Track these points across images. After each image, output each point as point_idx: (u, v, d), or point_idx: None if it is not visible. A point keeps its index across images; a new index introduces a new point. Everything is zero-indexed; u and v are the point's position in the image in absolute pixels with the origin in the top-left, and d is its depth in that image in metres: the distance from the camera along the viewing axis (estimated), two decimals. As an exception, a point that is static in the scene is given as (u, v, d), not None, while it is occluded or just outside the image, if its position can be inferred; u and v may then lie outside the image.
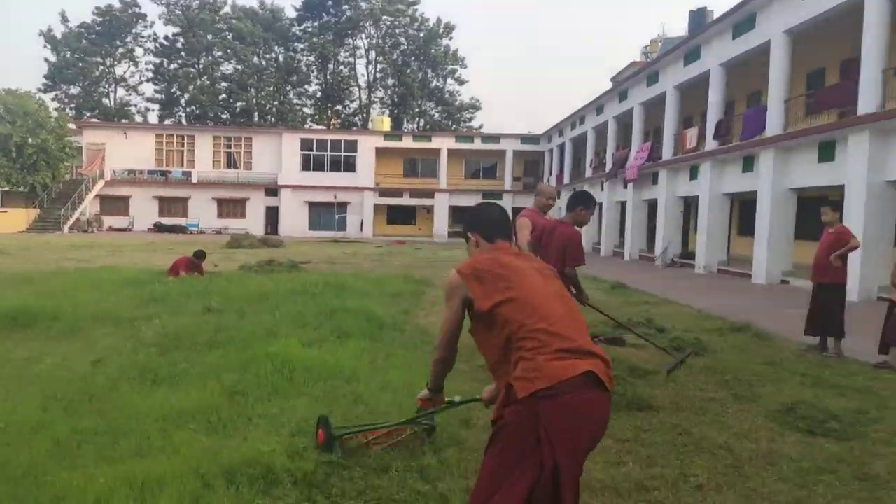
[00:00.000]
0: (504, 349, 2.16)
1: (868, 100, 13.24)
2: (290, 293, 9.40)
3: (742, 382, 5.58)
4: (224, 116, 58.53)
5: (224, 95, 58.70)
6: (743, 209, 23.13)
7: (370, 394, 4.66)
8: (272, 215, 43.43)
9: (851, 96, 14.16)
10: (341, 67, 60.87)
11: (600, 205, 31.50)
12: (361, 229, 43.35)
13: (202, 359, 5.54)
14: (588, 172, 33.78)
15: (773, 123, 17.06)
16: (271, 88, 59.55)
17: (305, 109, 62.34)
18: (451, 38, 59.96)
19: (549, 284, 2.32)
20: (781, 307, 11.43)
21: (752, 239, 21.93)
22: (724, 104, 20.92)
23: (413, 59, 59.61)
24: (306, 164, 43.91)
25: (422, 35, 58.96)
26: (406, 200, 44.65)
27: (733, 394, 5.22)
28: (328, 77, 60.24)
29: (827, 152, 15.19)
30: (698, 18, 30.47)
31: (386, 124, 48.33)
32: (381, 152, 44.75)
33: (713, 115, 20.55)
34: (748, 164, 18.88)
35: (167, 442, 3.75)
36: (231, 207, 43.61)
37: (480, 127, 60.48)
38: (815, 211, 8.62)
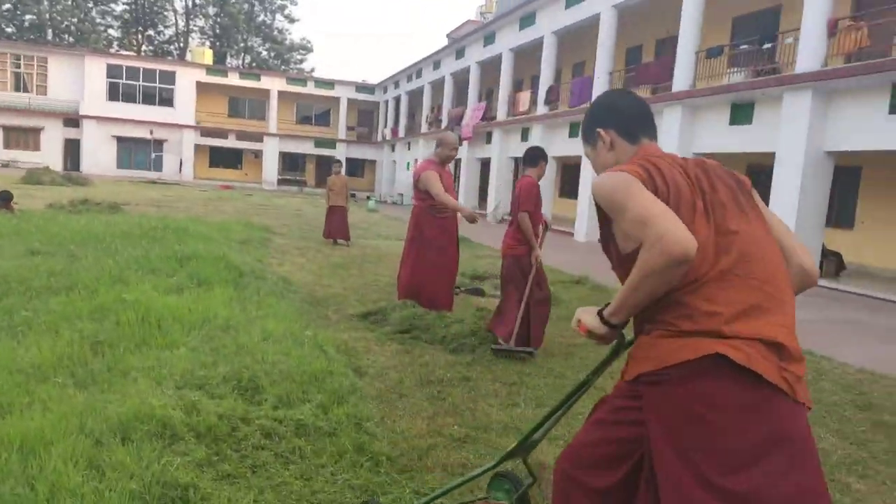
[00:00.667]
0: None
1: (682, 78, 14.80)
2: (124, 236, 8.54)
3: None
4: (9, 30, 50.26)
5: (8, 5, 50.25)
6: (565, 172, 24.90)
7: (254, 344, 4.45)
8: (73, 149, 38.53)
9: (668, 74, 15.73)
10: (155, -12, 54.84)
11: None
12: (180, 171, 40.10)
13: (44, 306, 4.90)
14: (424, 127, 34.13)
15: (599, 92, 18.43)
16: (69, 2, 52.07)
17: (111, 31, 55.58)
18: (281, -29, 56.49)
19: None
20: (606, 263, 12.60)
21: (572, 201, 23.86)
22: (554, 71, 22.17)
23: (238, -12, 55.39)
24: (114, 94, 39.32)
25: (249, -36, 54.88)
26: (231, 143, 41.98)
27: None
28: (139, -3, 54.03)
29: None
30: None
31: (207, 56, 44.57)
32: (203, 88, 41.42)
33: (545, 80, 21.70)
34: (574, 129, 20.29)
35: (32, 398, 3.33)
36: (21, 137, 37.94)
37: (312, 71, 58.26)
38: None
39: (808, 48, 11.33)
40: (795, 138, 11.46)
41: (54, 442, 2.78)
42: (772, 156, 12.18)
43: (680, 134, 14.72)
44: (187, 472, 2.73)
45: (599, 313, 1.69)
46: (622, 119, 1.82)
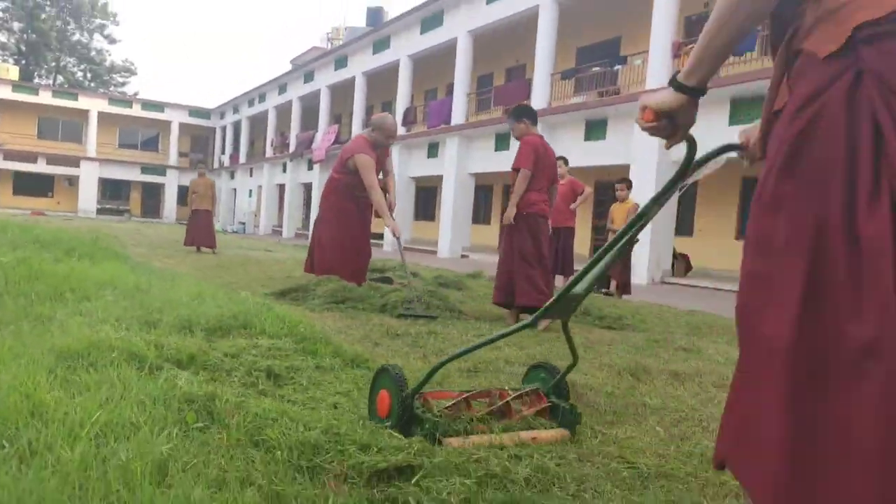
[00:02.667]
0: None
1: (539, 97, 15.70)
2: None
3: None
4: None
5: None
6: (423, 195, 25.19)
7: (186, 300, 3.83)
8: None
9: (524, 94, 16.63)
10: (-56, -5, 47.99)
11: (282, 186, 31.03)
12: (-24, 198, 34.86)
13: None
14: (269, 152, 32.91)
15: (458, 113, 19.02)
16: None
17: None
18: (100, -12, 52.16)
19: None
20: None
21: (427, 223, 24.21)
22: (410, 94, 22.54)
23: (49, 3, 50.15)
24: None
25: (62, -24, 50.04)
26: (41, 167, 37.40)
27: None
28: (-77, 4, 46.97)
29: (502, 142, 17.56)
30: (376, 15, 32.35)
31: (13, 74, 39.66)
32: (7, 106, 36.70)
33: (402, 102, 21.97)
34: (433, 150, 20.67)
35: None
36: None
37: (136, 94, 54.02)
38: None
39: (656, 67, 12.55)
40: (649, 152, 12.56)
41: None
42: (626, 168, 13.22)
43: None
44: (200, 386, 2.18)
45: (671, 82, 1.26)
46: None
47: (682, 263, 13.38)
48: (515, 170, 5.07)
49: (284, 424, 1.92)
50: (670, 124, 1.27)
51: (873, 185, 0.94)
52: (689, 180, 1.55)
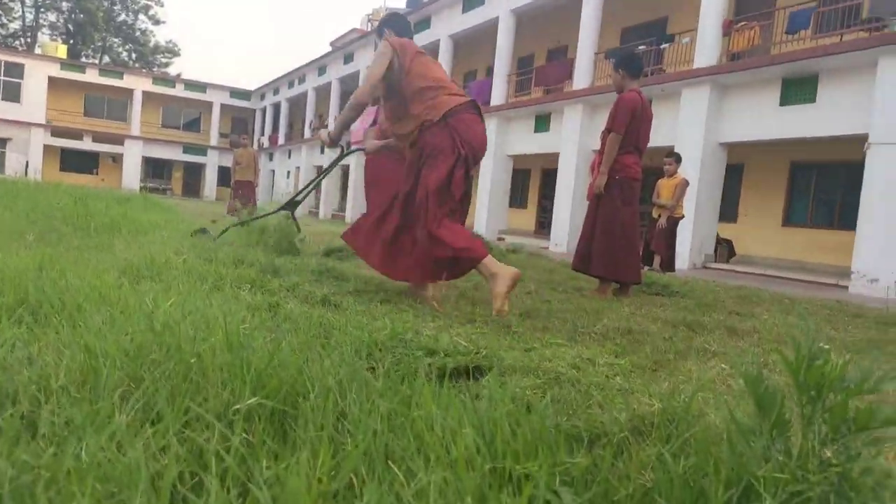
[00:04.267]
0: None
1: (582, 77, 15.47)
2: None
3: (556, 274, 6.09)
4: None
5: None
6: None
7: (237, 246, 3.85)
8: None
9: (566, 74, 16.40)
10: (-3, -25, 49.36)
11: (320, 167, 31.27)
12: (26, 172, 35.85)
13: None
14: (307, 133, 33.15)
15: (498, 94, 18.86)
16: None
17: (-59, 20, 49.17)
18: (146, -30, 53.10)
19: None
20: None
21: (516, 210, 24.33)
22: (450, 75, 22.41)
23: (97, -17, 51.25)
24: (-53, 85, 34.66)
25: (110, -42, 51.05)
26: (87, 144, 38.28)
27: (550, 279, 5.62)
28: (-23, -16, 48.37)
29: (542, 123, 17.37)
30: (416, -1, 32.24)
31: (61, 52, 40.59)
32: (56, 84, 37.59)
33: (441, 83, 21.85)
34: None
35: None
36: None
37: (178, 75, 54.97)
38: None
39: (705, 46, 12.23)
40: (695, 131, 12.27)
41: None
42: (670, 148, 12.95)
43: (581, 129, 15.34)
44: (263, 298, 2.19)
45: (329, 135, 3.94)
46: None
47: (725, 249, 13.09)
48: (607, 130, 4.68)
49: (349, 331, 1.91)
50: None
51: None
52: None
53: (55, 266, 2.18)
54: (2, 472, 0.71)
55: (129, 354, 1.19)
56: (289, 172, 35.62)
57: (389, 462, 0.82)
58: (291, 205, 3.90)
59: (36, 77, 36.49)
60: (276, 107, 38.35)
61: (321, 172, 4.10)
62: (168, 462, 0.78)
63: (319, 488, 0.71)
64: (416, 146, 3.37)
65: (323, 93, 32.27)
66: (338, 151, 4.00)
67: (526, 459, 0.86)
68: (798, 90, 11.12)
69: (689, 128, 12.35)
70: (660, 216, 8.18)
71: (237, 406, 1.01)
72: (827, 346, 0.83)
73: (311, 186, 4.15)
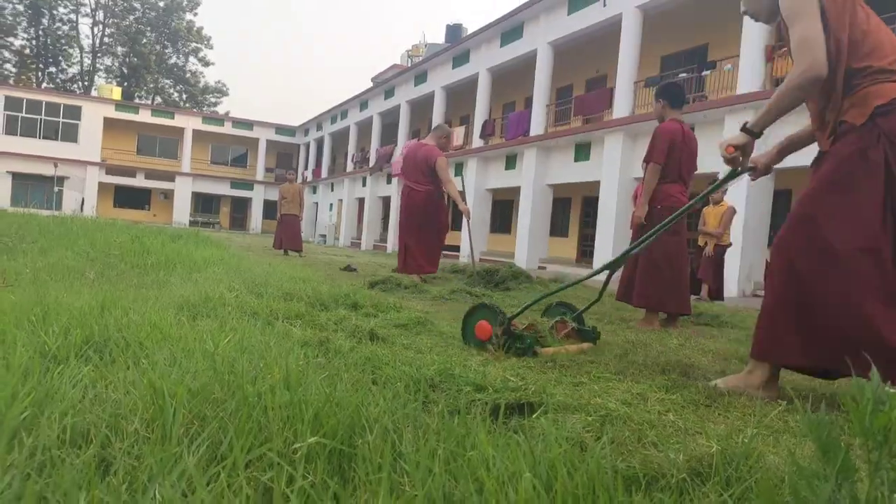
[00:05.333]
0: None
1: (622, 106, 15.44)
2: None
3: (600, 304, 6.03)
4: None
5: None
6: (498, 207, 25.20)
7: (290, 275, 3.94)
8: (-41, 185, 35.24)
9: (606, 102, 16.40)
10: (59, 24, 52.25)
11: (362, 199, 31.81)
12: (81, 209, 37.38)
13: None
14: (349, 167, 33.81)
15: (537, 124, 18.95)
16: (-41, 34, 48.66)
17: (8, 66, 52.12)
18: (195, 14, 55.58)
19: None
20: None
21: (503, 236, 24.24)
22: (489, 107, 22.67)
23: (149, 28, 53.73)
24: (12, 128, 36.57)
25: (161, 3, 53.50)
26: (140, 181, 39.80)
27: (594, 310, 5.56)
28: (41, 32, 51.23)
29: (581, 152, 17.35)
30: (454, 32, 32.86)
31: (116, 94, 42.55)
32: (110, 124, 39.34)
33: (480, 115, 22.11)
34: (511, 161, 20.66)
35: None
36: None
37: (227, 113, 56.92)
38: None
39: (748, 72, 12.10)
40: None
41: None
42: (714, 176, 12.78)
43: (622, 158, 15.25)
44: (314, 334, 2.24)
45: (743, 129, 2.37)
46: None
47: (774, 276, 12.74)
48: (646, 162, 4.68)
49: (398, 367, 1.93)
50: (740, 155, 2.41)
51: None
52: (715, 187, 3.00)
53: (117, 304, 2.28)
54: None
55: (192, 393, 1.24)
56: (331, 205, 36.27)
57: (450, 505, 0.83)
58: (616, 263, 3.26)
59: (92, 118, 38.24)
60: (320, 141, 39.27)
61: (702, 192, 2.75)
62: (241, 503, 0.81)
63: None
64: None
65: (364, 127, 32.95)
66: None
67: (585, 503, 0.86)
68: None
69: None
70: (706, 244, 8.05)
71: (297, 445, 1.04)
72: (893, 390, 0.81)
73: (681, 212, 3.41)
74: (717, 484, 0.99)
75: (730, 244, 8.34)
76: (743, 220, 11.69)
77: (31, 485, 0.82)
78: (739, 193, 11.73)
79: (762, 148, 2.86)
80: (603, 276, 3.27)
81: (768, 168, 2.71)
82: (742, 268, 11.81)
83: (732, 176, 2.58)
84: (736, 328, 5.01)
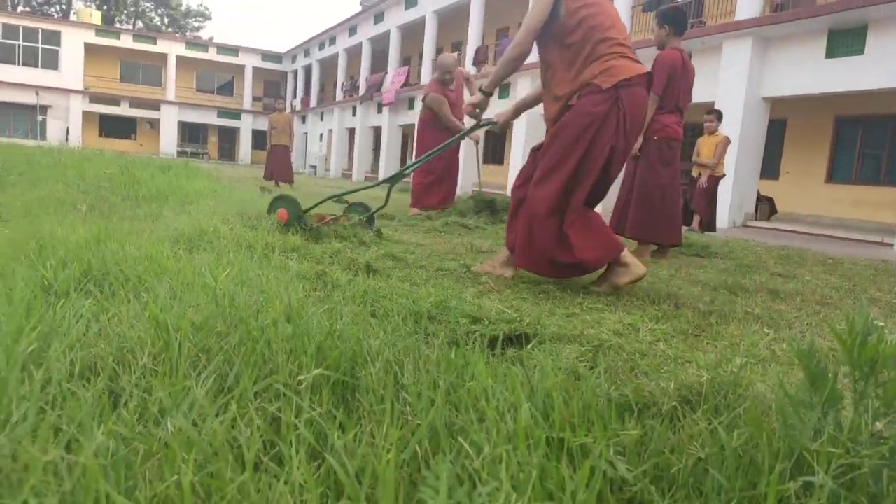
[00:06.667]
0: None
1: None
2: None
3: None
4: None
5: None
6: (488, 138, 24.89)
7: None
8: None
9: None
10: (31, -58, 49.74)
11: (352, 129, 31.30)
12: (67, 139, 36.67)
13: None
14: (339, 95, 33.08)
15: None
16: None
17: (-22, -12, 49.82)
18: (176, -67, 52.88)
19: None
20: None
21: (496, 167, 24.10)
22: (482, 33, 22.03)
23: (128, -53, 51.32)
24: (-11, 55, 35.36)
25: (140, -80, 50.91)
26: (124, 110, 38.88)
27: None
28: (12, -49, 48.81)
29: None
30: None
31: (96, 18, 40.96)
32: (92, 50, 38.07)
33: (473, 41, 21.51)
34: (504, 90, 20.25)
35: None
36: None
37: (211, 39, 55.05)
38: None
39: (748, -4, 11.77)
40: (737, 86, 11.89)
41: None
42: (710, 105, 12.60)
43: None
44: (311, 267, 2.26)
45: (479, 90, 3.14)
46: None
47: (766, 207, 12.80)
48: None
49: (395, 300, 1.96)
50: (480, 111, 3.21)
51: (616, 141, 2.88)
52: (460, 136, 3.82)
53: (112, 237, 2.28)
54: (102, 446, 0.78)
55: (196, 327, 1.27)
56: (321, 135, 35.71)
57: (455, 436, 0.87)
58: (395, 178, 3.90)
59: (73, 44, 36.97)
60: (308, 69, 38.27)
61: (442, 143, 4.01)
62: (252, 433, 0.84)
63: (389, 459, 0.76)
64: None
65: (354, 53, 32.05)
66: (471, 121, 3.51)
67: (581, 431, 0.90)
68: (845, 42, 10.66)
69: (731, 82, 11.98)
70: (700, 175, 8.04)
71: (302, 377, 1.07)
72: (881, 323, 0.84)
73: (430, 154, 3.89)
74: (707, 411, 1.03)
75: (723, 175, 8.32)
76: (736, 151, 11.64)
77: (47, 417, 0.84)
78: (734, 123, 11.62)
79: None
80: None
81: (508, 122, 3.52)
82: (734, 198, 11.85)
83: (476, 127, 3.49)
84: (726, 259, 5.07)
